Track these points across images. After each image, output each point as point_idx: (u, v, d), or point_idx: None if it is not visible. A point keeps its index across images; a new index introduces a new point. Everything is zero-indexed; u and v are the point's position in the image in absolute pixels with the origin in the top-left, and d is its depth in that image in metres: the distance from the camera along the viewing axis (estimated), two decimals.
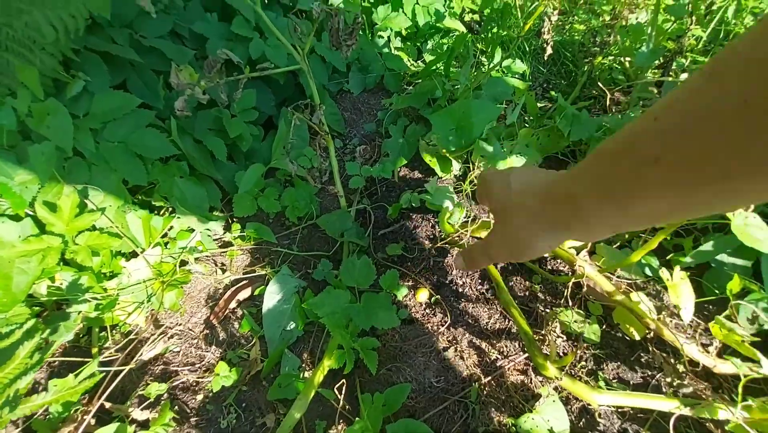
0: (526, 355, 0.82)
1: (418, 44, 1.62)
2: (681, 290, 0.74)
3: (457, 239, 0.96)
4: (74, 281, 0.83)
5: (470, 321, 0.86)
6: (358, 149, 1.17)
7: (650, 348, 0.81)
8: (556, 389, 0.77)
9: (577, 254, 0.81)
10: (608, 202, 0.34)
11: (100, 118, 0.88)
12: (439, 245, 0.95)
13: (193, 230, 0.96)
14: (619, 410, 0.76)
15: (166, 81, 0.94)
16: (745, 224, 0.64)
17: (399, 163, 1.14)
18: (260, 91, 1.22)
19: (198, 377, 0.85)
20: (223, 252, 1.05)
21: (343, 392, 0.72)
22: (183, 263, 0.97)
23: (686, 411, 0.66)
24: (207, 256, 1.05)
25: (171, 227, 0.95)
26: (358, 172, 1.11)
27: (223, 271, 1.03)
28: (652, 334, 0.80)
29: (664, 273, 0.74)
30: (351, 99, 1.46)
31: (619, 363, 0.81)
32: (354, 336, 0.71)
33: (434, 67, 1.38)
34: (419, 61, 1.58)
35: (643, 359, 0.81)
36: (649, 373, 0.80)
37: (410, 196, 1.05)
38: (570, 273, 0.85)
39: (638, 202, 0.32)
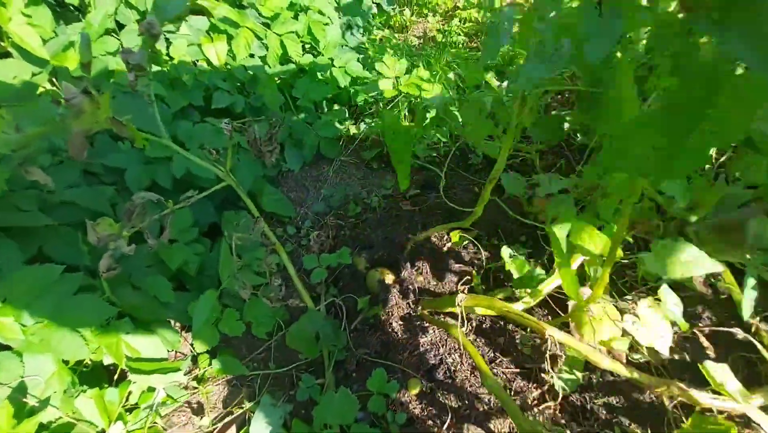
0: None
1: (343, 105, 1.60)
2: (651, 324, 0.71)
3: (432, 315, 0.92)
4: None
5: (471, 403, 0.80)
6: (312, 236, 1.12)
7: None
8: None
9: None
10: None
11: (21, 300, 0.80)
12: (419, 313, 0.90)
13: (155, 389, 0.87)
14: None
15: (86, 234, 0.87)
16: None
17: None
18: (195, 203, 1.15)
19: None
20: (195, 392, 0.96)
21: None
22: (153, 425, 0.88)
23: None
24: (179, 404, 0.95)
25: (130, 392, 0.86)
26: (317, 264, 1.06)
27: (201, 416, 0.94)
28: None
29: (627, 318, 0.72)
30: (293, 177, 1.42)
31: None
32: None
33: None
34: (351, 119, 1.56)
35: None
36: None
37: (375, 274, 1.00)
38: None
39: None
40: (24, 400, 0.75)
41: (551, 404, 0.79)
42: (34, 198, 0.92)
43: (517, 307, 0.81)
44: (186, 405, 0.97)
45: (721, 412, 0.69)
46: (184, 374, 0.99)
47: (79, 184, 1.02)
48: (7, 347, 0.77)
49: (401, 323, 0.94)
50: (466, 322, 0.92)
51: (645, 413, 0.77)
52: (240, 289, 0.83)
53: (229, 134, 0.81)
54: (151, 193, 0.84)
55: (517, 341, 0.88)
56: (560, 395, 0.77)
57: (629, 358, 0.81)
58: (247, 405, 0.90)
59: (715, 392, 0.71)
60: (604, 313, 0.74)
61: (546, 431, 0.65)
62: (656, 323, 0.71)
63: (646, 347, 0.79)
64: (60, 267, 0.83)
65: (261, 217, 0.89)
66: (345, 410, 0.70)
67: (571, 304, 0.83)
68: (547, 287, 0.86)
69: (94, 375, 0.89)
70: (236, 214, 1.12)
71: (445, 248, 1.02)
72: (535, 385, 0.82)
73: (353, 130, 1.53)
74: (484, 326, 0.92)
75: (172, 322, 1.00)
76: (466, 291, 0.80)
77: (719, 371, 0.71)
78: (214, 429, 0.90)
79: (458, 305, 0.74)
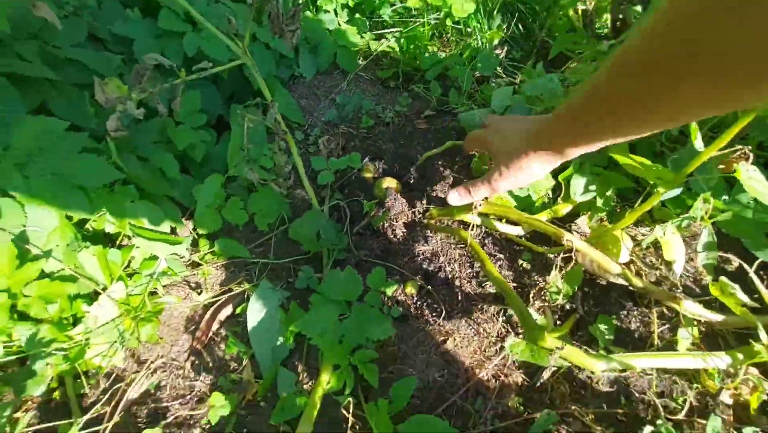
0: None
1: (366, 16, 1.51)
2: (673, 245, 0.73)
3: (438, 223, 0.93)
4: (32, 336, 0.75)
5: (463, 307, 0.84)
6: (321, 141, 1.10)
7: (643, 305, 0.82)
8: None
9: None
10: (569, 138, 0.54)
11: (23, 150, 0.77)
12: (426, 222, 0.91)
13: (157, 257, 0.88)
14: (622, 374, 0.77)
15: (93, 95, 0.83)
16: (749, 177, 0.63)
17: None
18: (205, 91, 1.11)
19: (191, 410, 0.80)
20: (195, 273, 0.98)
21: (351, 405, 0.69)
22: (153, 292, 0.90)
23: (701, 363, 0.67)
24: (178, 280, 0.97)
25: (132, 258, 0.86)
26: (325, 166, 1.04)
27: (199, 292, 0.97)
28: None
29: (657, 230, 0.73)
30: (305, 84, 1.37)
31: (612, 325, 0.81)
32: (349, 351, 0.68)
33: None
34: (372, 33, 1.49)
35: (635, 319, 0.82)
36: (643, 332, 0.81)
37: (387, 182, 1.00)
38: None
39: (586, 137, 0.51)
40: (26, 247, 0.75)
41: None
42: (38, 49, 0.86)
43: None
44: (185, 282, 0.99)
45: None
46: (188, 254, 1.00)
47: (85, 46, 0.96)
48: (9, 196, 0.76)
49: (405, 230, 0.95)
50: (474, 230, 0.93)
51: (631, 331, 0.81)
52: (249, 172, 0.82)
53: (251, 6, 0.76)
54: (163, 57, 0.79)
55: (520, 260, 0.91)
56: (557, 303, 0.81)
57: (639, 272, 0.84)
58: (246, 286, 0.92)
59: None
60: (624, 235, 0.76)
61: (551, 327, 0.68)
62: (677, 245, 0.73)
63: (659, 272, 0.82)
64: (65, 123, 0.80)
65: (275, 101, 0.86)
66: (350, 288, 0.72)
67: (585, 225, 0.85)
68: (565, 208, 0.88)
69: (95, 241, 0.89)
70: (245, 109, 1.08)
71: (456, 166, 1.01)
72: (530, 297, 0.85)
73: (374, 45, 1.46)
74: (486, 242, 0.93)
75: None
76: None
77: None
78: (212, 304, 0.92)
79: (475, 207, 0.75)
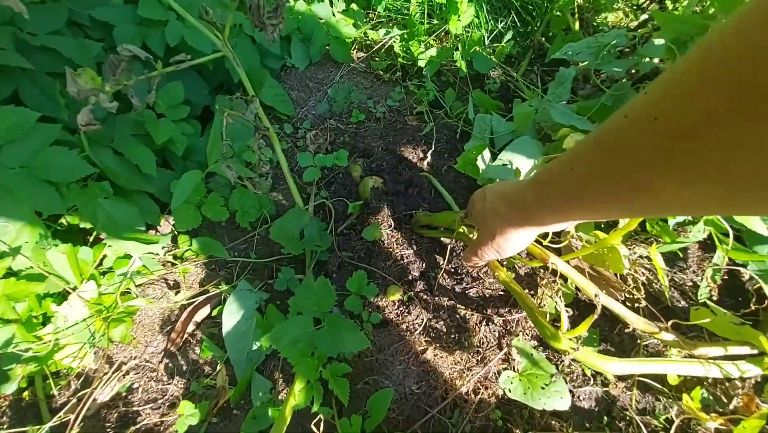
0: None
1: (363, 7, 1.46)
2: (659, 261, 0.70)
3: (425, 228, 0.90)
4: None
5: (446, 316, 0.81)
6: (309, 136, 1.06)
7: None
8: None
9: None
10: (548, 213, 0.47)
11: None
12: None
13: (131, 256, 0.85)
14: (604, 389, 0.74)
15: (66, 85, 0.79)
16: None
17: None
18: (189, 81, 1.07)
19: (162, 416, 0.78)
20: (173, 270, 0.95)
21: (322, 422, 0.67)
22: (127, 291, 0.87)
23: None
24: (155, 278, 0.95)
25: (105, 256, 0.84)
26: (311, 162, 1.01)
27: (177, 291, 0.94)
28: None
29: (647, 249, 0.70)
30: (297, 75, 1.33)
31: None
32: (321, 363, 0.65)
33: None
34: (368, 23, 1.44)
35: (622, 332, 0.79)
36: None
37: (371, 181, 0.96)
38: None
39: (574, 215, 0.44)
40: None
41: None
42: (10, 36, 0.83)
43: None
44: (162, 281, 0.96)
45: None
46: (164, 252, 0.97)
47: (63, 33, 0.92)
48: None
49: (389, 233, 0.91)
50: (457, 240, 0.90)
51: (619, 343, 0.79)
52: (226, 169, 0.79)
53: None
54: (140, 49, 0.75)
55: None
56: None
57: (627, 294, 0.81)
58: (224, 287, 0.90)
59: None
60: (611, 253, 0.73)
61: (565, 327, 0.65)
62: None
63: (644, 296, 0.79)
64: (36, 114, 0.77)
65: (256, 96, 0.82)
66: (323, 299, 0.69)
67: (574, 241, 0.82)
68: None
69: (69, 237, 0.86)
70: (231, 100, 1.04)
71: (445, 166, 0.97)
72: (515, 310, 0.82)
73: (372, 35, 1.41)
74: None
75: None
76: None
77: None
78: (189, 304, 0.90)
79: (461, 219, 0.71)
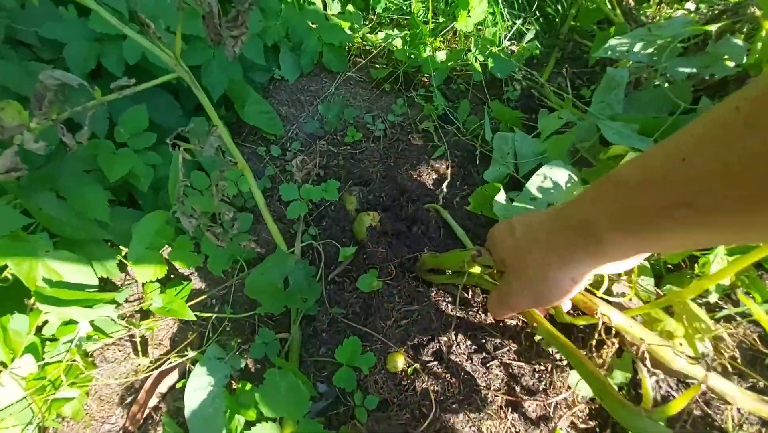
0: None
1: (362, 8, 1.30)
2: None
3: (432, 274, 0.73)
4: None
5: (462, 395, 0.64)
6: (295, 162, 0.91)
7: None
8: None
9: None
10: (632, 235, 0.33)
11: None
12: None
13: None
14: None
15: None
16: None
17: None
18: (157, 102, 0.93)
19: None
20: (140, 327, 0.81)
21: None
22: (85, 354, 0.73)
23: None
24: (120, 337, 0.81)
25: (46, 322, 0.70)
26: (297, 195, 0.85)
27: (144, 351, 0.80)
28: None
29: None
30: (287, 88, 1.17)
31: None
32: None
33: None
34: (366, 25, 1.28)
35: None
36: None
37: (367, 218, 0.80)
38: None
39: (667, 238, 0.30)
40: None
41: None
42: None
43: None
44: (127, 339, 0.82)
45: None
46: (132, 302, 0.84)
47: (3, 56, 0.79)
48: None
49: (391, 283, 0.75)
50: (471, 289, 0.73)
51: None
52: (183, 216, 0.64)
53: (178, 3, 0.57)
54: (69, 74, 0.61)
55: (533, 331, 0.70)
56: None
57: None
58: (191, 353, 0.75)
59: None
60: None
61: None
62: None
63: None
64: None
65: (217, 126, 0.67)
66: (291, 401, 0.53)
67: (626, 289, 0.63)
68: None
69: (14, 293, 0.73)
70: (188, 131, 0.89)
71: (458, 196, 0.80)
72: (552, 390, 0.64)
73: (372, 38, 1.25)
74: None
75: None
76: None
77: None
78: (156, 369, 0.76)
79: (472, 258, 0.54)
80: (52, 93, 0.60)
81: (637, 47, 0.68)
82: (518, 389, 0.63)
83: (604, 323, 0.55)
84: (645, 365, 0.52)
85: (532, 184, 0.66)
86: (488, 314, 0.69)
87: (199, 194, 0.84)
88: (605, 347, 0.58)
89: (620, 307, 0.59)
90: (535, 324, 0.54)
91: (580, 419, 0.62)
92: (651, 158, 0.31)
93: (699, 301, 0.66)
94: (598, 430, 0.62)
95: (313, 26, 1.18)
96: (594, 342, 0.57)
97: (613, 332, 0.56)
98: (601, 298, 0.56)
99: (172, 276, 0.88)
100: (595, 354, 0.58)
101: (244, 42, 0.62)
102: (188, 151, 0.73)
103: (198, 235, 0.83)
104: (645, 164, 0.31)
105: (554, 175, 0.66)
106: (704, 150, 0.25)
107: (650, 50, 0.67)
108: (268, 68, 1.15)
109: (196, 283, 0.88)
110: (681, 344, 0.59)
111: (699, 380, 0.51)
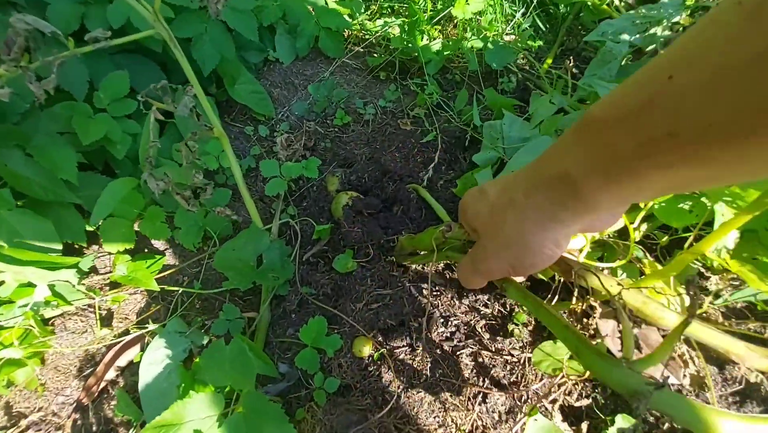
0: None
1: None
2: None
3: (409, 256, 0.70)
4: None
5: (429, 383, 0.60)
6: (280, 140, 0.88)
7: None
8: None
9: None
10: (613, 182, 0.29)
11: None
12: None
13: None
14: None
15: None
16: None
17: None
18: (141, 70, 0.91)
19: None
20: (106, 298, 0.78)
21: None
22: (31, 327, 0.70)
23: None
24: (82, 307, 0.78)
25: (2, 283, 0.67)
26: (277, 172, 0.82)
27: (109, 322, 0.77)
28: None
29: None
30: (281, 71, 1.15)
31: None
32: None
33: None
34: (366, 13, 1.26)
35: None
36: None
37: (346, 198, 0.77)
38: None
39: (650, 178, 0.27)
40: None
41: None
42: None
43: None
44: (92, 311, 0.79)
45: None
46: (103, 274, 0.81)
47: None
48: None
49: (366, 265, 0.72)
50: (448, 274, 0.70)
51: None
52: (150, 178, 0.61)
53: None
54: (41, 21, 0.59)
55: (516, 311, 0.66)
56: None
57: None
58: (152, 326, 0.72)
59: None
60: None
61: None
62: None
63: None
64: None
65: (191, 87, 0.64)
66: (239, 372, 0.49)
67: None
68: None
69: None
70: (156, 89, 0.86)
71: (443, 180, 0.77)
72: (532, 378, 0.60)
73: (370, 25, 1.23)
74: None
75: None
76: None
77: None
78: (116, 343, 0.72)
79: (443, 233, 0.50)
80: (22, 38, 0.58)
81: (630, 29, 0.65)
82: (488, 380, 0.59)
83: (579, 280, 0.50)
84: (626, 312, 0.48)
85: (515, 161, 0.63)
86: (462, 301, 0.66)
87: (176, 166, 0.82)
88: (591, 318, 0.54)
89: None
90: (504, 285, 0.50)
91: (550, 414, 0.58)
92: (630, 87, 0.27)
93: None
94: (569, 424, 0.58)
95: (312, 10, 1.17)
96: (578, 307, 0.54)
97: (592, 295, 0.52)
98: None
99: (146, 250, 0.85)
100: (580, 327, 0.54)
101: (225, 1, 0.60)
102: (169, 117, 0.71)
103: (163, 202, 0.81)
104: (624, 93, 0.27)
105: (540, 150, 0.63)
106: (696, 60, 0.22)
107: (643, 33, 0.64)
108: (262, 48, 1.13)
109: (170, 259, 0.85)
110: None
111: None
